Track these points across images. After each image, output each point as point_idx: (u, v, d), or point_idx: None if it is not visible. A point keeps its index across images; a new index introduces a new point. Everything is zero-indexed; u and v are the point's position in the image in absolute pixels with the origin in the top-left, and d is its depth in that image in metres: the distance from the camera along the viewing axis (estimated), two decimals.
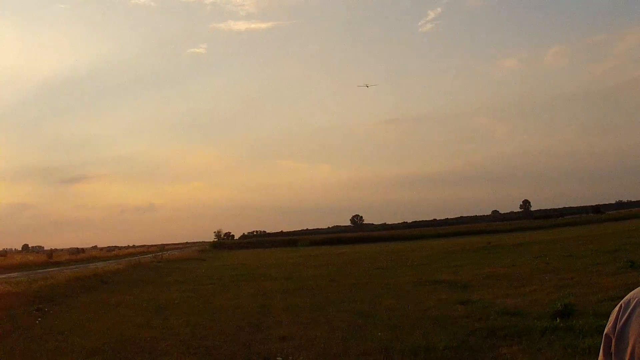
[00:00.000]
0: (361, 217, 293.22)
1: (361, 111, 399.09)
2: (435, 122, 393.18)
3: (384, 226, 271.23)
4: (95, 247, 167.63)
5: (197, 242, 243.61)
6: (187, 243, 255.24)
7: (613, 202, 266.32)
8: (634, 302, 2.78)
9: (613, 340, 2.78)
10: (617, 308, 2.86)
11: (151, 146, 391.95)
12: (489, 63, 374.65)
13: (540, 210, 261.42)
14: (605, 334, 2.82)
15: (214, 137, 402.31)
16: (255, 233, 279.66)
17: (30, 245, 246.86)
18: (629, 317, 2.75)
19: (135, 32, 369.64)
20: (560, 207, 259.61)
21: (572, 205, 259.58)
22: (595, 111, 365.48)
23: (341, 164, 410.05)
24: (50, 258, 77.84)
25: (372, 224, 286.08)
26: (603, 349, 2.83)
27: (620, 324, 2.77)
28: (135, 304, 24.71)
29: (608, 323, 2.85)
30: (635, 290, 2.81)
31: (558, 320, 14.13)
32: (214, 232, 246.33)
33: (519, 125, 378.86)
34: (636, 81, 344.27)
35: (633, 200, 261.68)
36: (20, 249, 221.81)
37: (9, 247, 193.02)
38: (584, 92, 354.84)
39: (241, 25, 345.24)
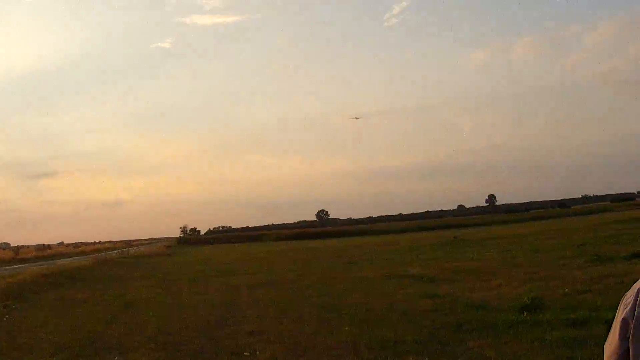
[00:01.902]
0: (327, 212, 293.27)
1: (329, 105, 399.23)
2: (402, 115, 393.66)
3: (350, 221, 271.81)
4: (61, 244, 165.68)
5: (163, 238, 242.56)
6: (153, 239, 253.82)
7: (579, 196, 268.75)
8: None
9: (632, 325, 2.76)
10: (632, 292, 2.82)
11: (118, 141, 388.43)
12: (456, 56, 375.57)
13: (505, 204, 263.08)
14: (623, 319, 2.78)
15: (181, 132, 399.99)
16: (221, 228, 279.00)
17: None
18: None
19: (100, 26, 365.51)
20: (525, 201, 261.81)
21: (537, 200, 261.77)
22: (563, 105, 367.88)
23: (308, 159, 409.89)
24: (16, 255, 77.01)
25: (338, 219, 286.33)
26: (619, 334, 2.81)
27: None
28: (102, 300, 24.57)
29: (623, 308, 2.81)
30: None
31: (525, 313, 14.21)
32: (180, 227, 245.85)
33: (486, 118, 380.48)
34: (605, 75, 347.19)
35: (599, 194, 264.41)
36: None
37: None
38: (552, 85, 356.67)
39: (207, 20, 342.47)
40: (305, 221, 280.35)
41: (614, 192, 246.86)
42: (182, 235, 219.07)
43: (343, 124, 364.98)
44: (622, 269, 21.36)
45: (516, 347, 11.10)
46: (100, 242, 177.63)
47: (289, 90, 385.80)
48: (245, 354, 12.47)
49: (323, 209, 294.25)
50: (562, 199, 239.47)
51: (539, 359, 10.07)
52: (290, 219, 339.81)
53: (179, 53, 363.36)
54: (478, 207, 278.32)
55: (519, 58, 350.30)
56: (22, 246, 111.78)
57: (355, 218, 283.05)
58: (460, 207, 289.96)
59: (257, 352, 12.45)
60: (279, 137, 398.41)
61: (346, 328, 14.61)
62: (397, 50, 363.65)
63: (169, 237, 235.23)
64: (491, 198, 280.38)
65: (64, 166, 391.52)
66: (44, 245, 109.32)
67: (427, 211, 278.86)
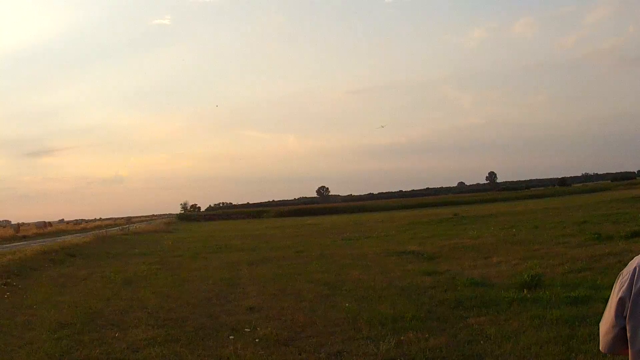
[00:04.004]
0: (327, 188, 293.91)
1: (328, 81, 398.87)
2: (403, 91, 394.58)
3: (350, 197, 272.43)
4: (62, 221, 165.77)
5: (163, 215, 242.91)
6: (153, 215, 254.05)
7: (579, 174, 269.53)
8: None
9: (629, 303, 2.73)
10: (629, 270, 2.80)
11: (117, 117, 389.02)
12: (457, 33, 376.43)
13: (506, 182, 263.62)
14: (620, 298, 2.76)
15: (181, 108, 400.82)
16: (221, 205, 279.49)
17: None
18: None
19: (99, 2, 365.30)
20: (526, 179, 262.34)
21: (538, 178, 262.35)
22: (562, 83, 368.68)
23: (307, 134, 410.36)
24: (17, 232, 76.98)
25: (339, 195, 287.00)
26: (615, 312, 2.79)
27: (638, 286, 2.71)
28: (103, 276, 24.56)
29: (620, 286, 2.79)
30: None
31: (525, 291, 14.20)
32: (180, 204, 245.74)
33: (486, 95, 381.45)
34: (604, 53, 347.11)
35: (599, 173, 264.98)
36: None
37: None
38: (552, 63, 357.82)
39: None
40: (305, 197, 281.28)
41: (614, 171, 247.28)
42: (182, 212, 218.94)
43: (342, 99, 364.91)
44: (622, 248, 21.34)
45: (516, 324, 11.10)
46: (100, 219, 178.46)
47: (286, 65, 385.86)
48: (246, 329, 12.48)
49: (323, 185, 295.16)
50: (562, 177, 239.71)
51: (539, 336, 10.07)
52: (290, 195, 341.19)
53: (178, 29, 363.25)
54: (478, 184, 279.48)
55: (519, 35, 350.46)
56: (23, 223, 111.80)
57: (355, 195, 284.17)
58: (461, 184, 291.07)
59: (257, 328, 12.46)
60: (278, 114, 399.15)
61: (346, 304, 14.62)
62: (396, 26, 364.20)
63: (169, 214, 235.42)
64: (492, 175, 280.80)
65: (63, 143, 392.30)
66: (44, 222, 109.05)
67: (427, 188, 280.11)
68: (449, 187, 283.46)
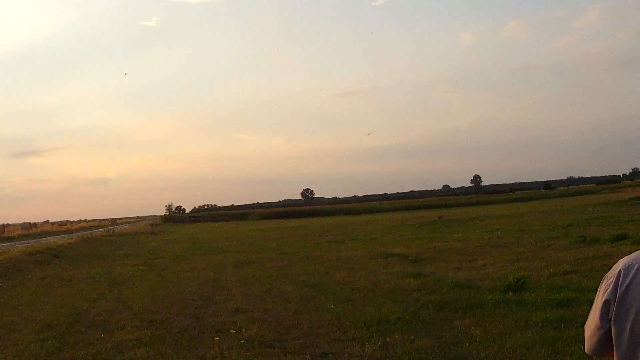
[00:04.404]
0: (312, 190, 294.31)
1: (316, 83, 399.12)
2: (391, 94, 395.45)
3: (335, 200, 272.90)
4: (47, 222, 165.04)
5: (148, 216, 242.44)
6: (138, 217, 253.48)
7: (564, 178, 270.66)
8: (635, 267, 2.73)
9: (613, 306, 2.74)
10: (613, 273, 2.80)
11: (104, 118, 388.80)
12: (446, 36, 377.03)
13: (491, 185, 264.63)
14: (605, 300, 2.75)
15: (167, 110, 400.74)
16: (206, 207, 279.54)
17: None
18: (631, 282, 2.70)
19: (88, 4, 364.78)
20: (511, 182, 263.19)
21: (523, 181, 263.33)
22: (550, 87, 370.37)
23: (295, 137, 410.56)
24: (2, 233, 76.61)
25: (323, 198, 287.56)
26: (600, 315, 2.79)
27: (622, 289, 2.71)
28: (88, 278, 24.54)
29: (605, 289, 2.79)
30: (633, 254, 2.75)
31: (510, 293, 14.25)
32: (165, 205, 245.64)
33: (474, 98, 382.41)
34: (593, 57, 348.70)
35: (584, 176, 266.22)
36: None
37: None
38: (541, 67, 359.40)
39: None
40: (290, 200, 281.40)
41: (599, 175, 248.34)
42: (167, 214, 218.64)
43: (329, 102, 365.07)
44: (607, 251, 21.45)
45: (501, 327, 11.14)
46: (85, 221, 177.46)
47: (275, 68, 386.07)
48: (231, 331, 12.48)
49: (308, 187, 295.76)
50: (547, 180, 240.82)
51: (525, 339, 10.11)
52: (275, 197, 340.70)
53: (166, 31, 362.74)
54: (463, 187, 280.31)
55: (508, 39, 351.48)
56: (8, 224, 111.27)
57: (340, 197, 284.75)
58: (446, 187, 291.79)
59: (243, 330, 12.46)
60: (265, 116, 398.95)
61: (331, 306, 14.64)
62: (386, 29, 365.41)
63: (154, 216, 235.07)
64: (476, 178, 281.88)
65: (51, 144, 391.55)
66: (29, 223, 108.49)
67: (412, 191, 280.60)
68: (434, 190, 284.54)
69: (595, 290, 2.87)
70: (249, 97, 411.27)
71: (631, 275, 2.69)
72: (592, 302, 2.89)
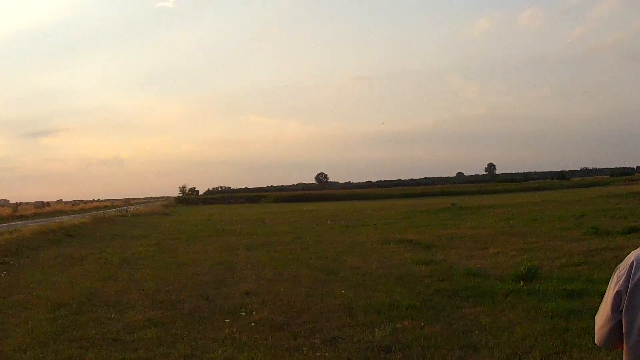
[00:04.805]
0: (326, 175, 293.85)
1: (332, 67, 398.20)
2: (407, 80, 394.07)
3: (349, 185, 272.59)
4: (60, 201, 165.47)
5: (161, 197, 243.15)
6: (151, 198, 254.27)
7: (578, 168, 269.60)
8: None
9: (625, 297, 2.74)
10: (626, 264, 2.80)
11: (119, 99, 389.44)
12: (462, 23, 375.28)
13: (505, 174, 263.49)
14: (617, 292, 2.75)
15: (182, 92, 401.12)
16: (219, 189, 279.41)
17: None
18: None
19: None
20: (525, 171, 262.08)
21: (537, 170, 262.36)
22: (565, 76, 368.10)
23: (309, 121, 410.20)
24: (15, 212, 76.91)
25: (337, 182, 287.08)
26: (611, 306, 2.79)
27: (634, 281, 2.70)
28: (100, 257, 24.61)
29: (617, 280, 2.78)
30: None
31: (521, 283, 14.23)
32: (179, 187, 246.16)
33: (489, 86, 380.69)
34: (608, 47, 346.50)
35: (598, 167, 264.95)
36: None
37: None
38: (556, 56, 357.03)
39: None
40: (304, 184, 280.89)
41: (613, 166, 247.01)
42: (180, 195, 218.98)
43: (344, 86, 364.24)
44: (619, 243, 21.39)
45: (512, 316, 11.12)
46: (99, 200, 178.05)
47: (290, 51, 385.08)
48: (242, 313, 12.51)
49: (322, 172, 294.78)
50: (561, 170, 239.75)
51: (534, 328, 10.09)
52: (289, 181, 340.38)
53: (182, 12, 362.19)
54: (477, 175, 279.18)
55: (523, 27, 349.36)
56: (21, 203, 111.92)
57: (354, 182, 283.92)
58: (460, 174, 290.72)
59: (253, 312, 12.48)
60: (280, 99, 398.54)
61: (342, 291, 14.66)
62: (402, 14, 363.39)
63: (167, 197, 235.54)
64: (490, 167, 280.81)
65: (65, 124, 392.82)
66: (43, 202, 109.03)
67: (426, 177, 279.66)
68: (448, 177, 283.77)
69: (606, 282, 2.86)
70: (263, 79, 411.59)
71: None
72: (602, 294, 2.89)
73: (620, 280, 2.76)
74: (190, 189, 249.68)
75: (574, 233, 25.98)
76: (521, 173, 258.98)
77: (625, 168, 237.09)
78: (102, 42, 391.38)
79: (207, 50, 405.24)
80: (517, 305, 12.02)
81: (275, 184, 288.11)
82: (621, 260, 2.85)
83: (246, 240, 31.56)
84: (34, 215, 71.90)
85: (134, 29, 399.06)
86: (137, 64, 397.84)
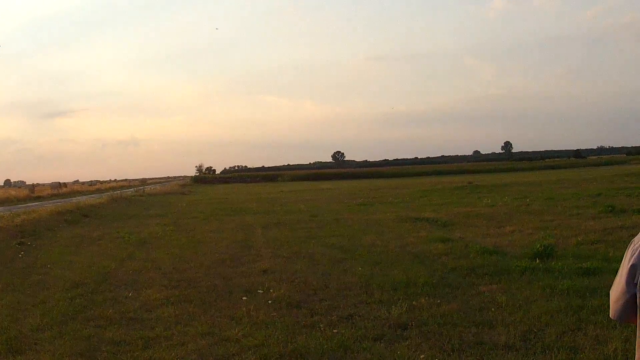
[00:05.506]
0: (343, 153, 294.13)
1: (347, 47, 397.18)
2: (422, 60, 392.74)
3: (365, 163, 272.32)
4: (77, 182, 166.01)
5: (178, 177, 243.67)
6: (168, 177, 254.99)
7: (594, 147, 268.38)
8: None
9: None
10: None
11: (134, 80, 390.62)
12: (477, 3, 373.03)
13: (521, 152, 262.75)
14: (632, 265, 2.76)
15: (197, 72, 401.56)
16: (236, 168, 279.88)
17: (12, 180, 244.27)
18: None
19: None
20: (541, 150, 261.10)
21: (553, 149, 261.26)
22: (582, 56, 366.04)
23: (324, 100, 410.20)
24: (32, 193, 77.29)
25: (354, 161, 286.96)
26: (626, 279, 2.80)
27: None
28: (117, 237, 24.74)
29: (631, 253, 2.79)
30: None
31: (537, 260, 14.21)
32: (196, 166, 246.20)
33: (505, 66, 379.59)
34: (624, 27, 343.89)
35: (614, 146, 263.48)
36: (2, 184, 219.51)
37: None
38: (572, 35, 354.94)
39: None
40: (320, 162, 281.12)
41: (629, 145, 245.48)
42: (197, 174, 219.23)
43: (360, 65, 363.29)
44: (635, 221, 21.32)
45: (527, 293, 11.13)
46: (115, 181, 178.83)
47: (306, 31, 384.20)
48: (259, 291, 12.58)
49: (339, 150, 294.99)
50: (577, 149, 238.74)
51: (550, 306, 10.10)
52: (305, 159, 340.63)
53: None
54: (494, 153, 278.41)
55: (538, 8, 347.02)
56: (38, 184, 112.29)
57: (370, 160, 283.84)
58: (476, 152, 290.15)
59: (270, 290, 12.55)
60: (296, 79, 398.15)
61: (359, 269, 14.71)
62: None
63: (184, 176, 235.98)
64: (507, 145, 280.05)
65: (80, 105, 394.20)
66: (59, 183, 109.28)
67: (442, 155, 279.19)
68: (464, 156, 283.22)
69: (622, 260, 2.87)
70: (279, 60, 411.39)
71: None
72: (617, 272, 2.90)
73: (635, 253, 2.77)
74: (207, 168, 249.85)
75: (589, 211, 25.86)
76: (538, 151, 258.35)
77: None
78: (117, 24, 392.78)
79: (222, 31, 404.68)
80: (533, 282, 12.01)
81: (291, 163, 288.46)
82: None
83: (263, 219, 31.64)
84: (51, 196, 72.30)
85: (150, 10, 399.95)
86: (153, 45, 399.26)
